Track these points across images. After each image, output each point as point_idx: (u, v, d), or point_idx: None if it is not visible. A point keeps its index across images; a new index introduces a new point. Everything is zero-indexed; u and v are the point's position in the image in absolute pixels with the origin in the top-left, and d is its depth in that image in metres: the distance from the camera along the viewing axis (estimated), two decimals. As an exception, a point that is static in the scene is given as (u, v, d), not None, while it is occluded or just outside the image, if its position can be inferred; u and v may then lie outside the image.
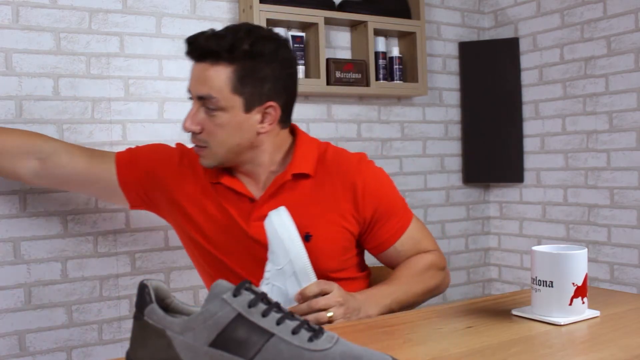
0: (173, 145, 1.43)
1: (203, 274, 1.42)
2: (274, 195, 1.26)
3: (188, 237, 1.37)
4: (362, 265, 1.37)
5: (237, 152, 1.24)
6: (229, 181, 1.28)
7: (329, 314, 1.08)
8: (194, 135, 1.22)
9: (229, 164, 1.26)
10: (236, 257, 1.29)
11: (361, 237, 1.31)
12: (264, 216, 1.17)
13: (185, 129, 1.21)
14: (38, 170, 1.42)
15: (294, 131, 1.34)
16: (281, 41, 1.23)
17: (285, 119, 1.27)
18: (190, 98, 1.24)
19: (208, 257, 1.34)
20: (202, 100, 1.19)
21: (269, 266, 1.15)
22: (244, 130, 1.21)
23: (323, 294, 1.10)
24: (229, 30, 1.20)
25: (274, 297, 1.12)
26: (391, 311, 1.18)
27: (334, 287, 1.12)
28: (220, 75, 1.17)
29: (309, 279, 1.12)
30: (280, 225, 1.13)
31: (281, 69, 1.22)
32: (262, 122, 1.22)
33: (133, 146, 1.45)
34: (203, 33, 1.19)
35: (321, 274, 1.24)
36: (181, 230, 1.38)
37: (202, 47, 1.18)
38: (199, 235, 1.33)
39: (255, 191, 1.29)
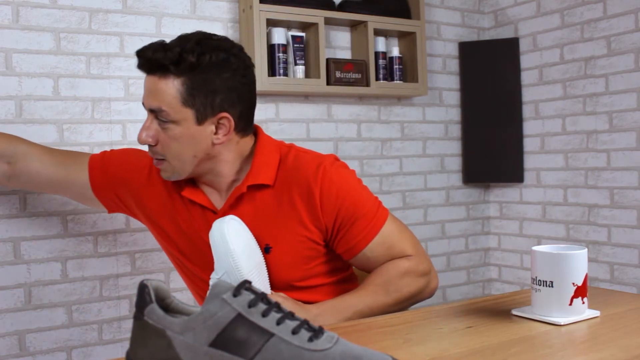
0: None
1: (183, 279, 1.43)
2: (234, 207, 1.24)
3: (166, 249, 1.37)
4: (335, 271, 1.30)
5: (195, 164, 1.21)
6: (191, 193, 1.26)
7: None
8: (150, 147, 1.21)
9: (189, 175, 1.23)
10: (205, 267, 1.28)
11: (329, 244, 1.26)
12: None
13: (140, 141, 1.19)
14: (8, 173, 1.41)
15: (256, 133, 1.29)
16: (233, 50, 1.19)
17: (244, 127, 1.23)
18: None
19: (182, 265, 1.35)
20: (155, 113, 1.18)
21: (212, 274, 1.15)
22: (197, 142, 1.18)
23: None
24: (180, 40, 1.17)
25: None
26: None
27: (277, 300, 1.09)
28: (170, 88, 1.15)
29: None
30: (220, 237, 1.11)
31: (233, 78, 1.18)
32: (216, 133, 1.19)
33: (108, 149, 1.45)
34: (152, 45, 1.16)
35: (284, 284, 1.23)
36: (160, 242, 1.38)
37: (150, 60, 1.15)
38: (170, 244, 1.32)
39: (218, 202, 1.27)
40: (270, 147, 1.26)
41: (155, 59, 1.14)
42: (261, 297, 0.67)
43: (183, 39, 1.17)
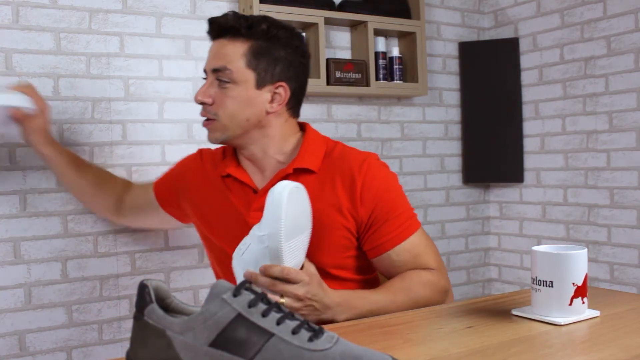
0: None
1: (216, 276, 1.45)
2: None
3: (203, 236, 1.41)
4: (363, 270, 1.32)
5: (245, 129, 1.26)
6: (235, 171, 1.31)
7: (281, 300, 1.07)
8: (205, 107, 1.26)
9: (237, 141, 1.28)
10: (231, 242, 1.28)
11: (360, 238, 1.28)
12: (261, 207, 1.15)
13: (197, 101, 1.25)
14: (118, 204, 1.61)
15: (304, 128, 1.37)
16: (296, 32, 1.31)
17: (293, 107, 1.32)
18: (204, 78, 1.28)
19: (217, 252, 1.37)
20: (217, 73, 1.24)
21: (255, 227, 1.12)
22: (253, 106, 1.24)
23: (286, 280, 1.07)
24: (249, 15, 1.29)
25: (246, 255, 1.11)
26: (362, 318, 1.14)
27: (303, 279, 1.08)
28: (238, 49, 1.23)
29: (277, 259, 1.08)
30: (279, 197, 1.08)
31: (294, 55, 1.27)
32: (271, 101, 1.26)
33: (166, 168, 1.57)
34: (225, 14, 1.26)
35: (319, 268, 1.22)
36: (199, 229, 1.43)
37: (222, 24, 1.25)
38: (207, 227, 1.37)
39: (260, 182, 1.32)
40: (318, 138, 1.34)
41: (227, 23, 1.24)
42: (261, 297, 0.67)
43: (251, 15, 1.30)
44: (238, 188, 1.32)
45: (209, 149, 1.45)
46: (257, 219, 1.18)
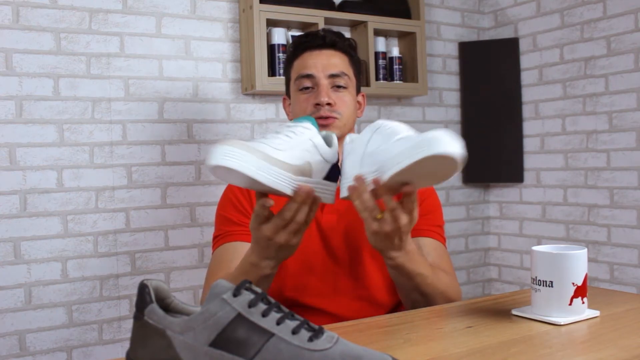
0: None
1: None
2: None
3: None
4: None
5: (351, 130, 1.36)
6: None
7: (379, 216, 0.98)
8: (329, 107, 1.31)
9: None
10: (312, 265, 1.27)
11: None
12: (336, 210, 1.26)
13: (322, 103, 1.30)
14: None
15: None
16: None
17: None
18: (304, 88, 1.31)
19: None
20: (334, 79, 1.31)
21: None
22: (354, 110, 1.35)
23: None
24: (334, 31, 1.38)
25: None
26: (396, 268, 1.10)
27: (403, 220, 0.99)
28: (345, 59, 1.34)
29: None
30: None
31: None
32: (358, 109, 1.39)
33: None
34: (317, 31, 1.35)
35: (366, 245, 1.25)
36: None
37: (323, 37, 1.33)
38: None
39: None
40: None
41: (326, 36, 1.33)
42: (261, 297, 0.67)
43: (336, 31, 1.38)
44: None
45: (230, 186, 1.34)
46: (330, 223, 1.28)
